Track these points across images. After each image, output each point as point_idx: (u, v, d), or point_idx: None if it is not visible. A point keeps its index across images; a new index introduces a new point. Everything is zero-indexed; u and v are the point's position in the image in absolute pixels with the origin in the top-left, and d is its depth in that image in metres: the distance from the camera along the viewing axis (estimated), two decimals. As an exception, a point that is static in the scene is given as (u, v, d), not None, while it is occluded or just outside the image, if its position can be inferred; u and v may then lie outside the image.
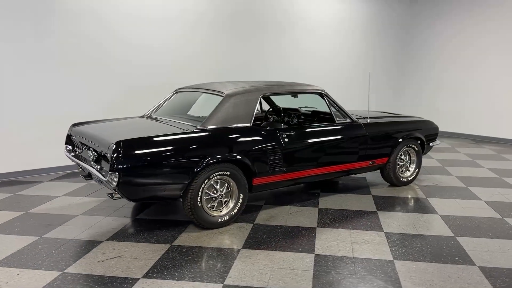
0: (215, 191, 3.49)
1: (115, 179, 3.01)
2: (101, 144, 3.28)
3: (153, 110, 4.42)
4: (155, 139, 3.24)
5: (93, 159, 3.35)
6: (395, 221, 3.77)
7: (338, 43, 8.22)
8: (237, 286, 2.61)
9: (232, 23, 6.71)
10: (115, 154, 3.02)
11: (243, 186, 3.58)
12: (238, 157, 3.47)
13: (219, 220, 3.51)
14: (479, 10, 8.20)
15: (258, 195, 4.48)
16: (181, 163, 3.23)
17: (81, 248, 3.15)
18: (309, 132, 4.02)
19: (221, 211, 3.55)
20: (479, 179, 5.30)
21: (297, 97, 4.36)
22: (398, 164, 4.80)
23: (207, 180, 3.38)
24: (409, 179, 4.90)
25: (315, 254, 3.07)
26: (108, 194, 3.27)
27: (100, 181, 3.38)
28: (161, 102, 4.50)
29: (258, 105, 4.02)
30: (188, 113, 4.55)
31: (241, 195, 3.59)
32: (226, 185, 3.55)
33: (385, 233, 3.49)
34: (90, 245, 3.20)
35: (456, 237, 3.41)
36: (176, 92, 4.53)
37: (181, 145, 3.27)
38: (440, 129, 8.72)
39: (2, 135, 5.03)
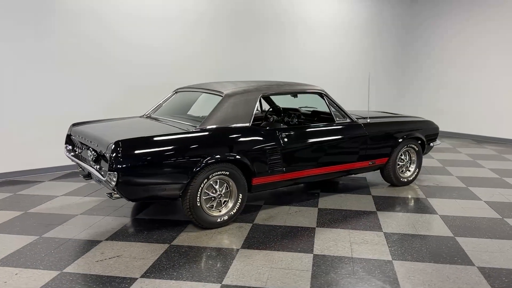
0: (214, 191, 3.49)
1: (114, 179, 3.01)
2: (100, 144, 3.28)
3: (153, 110, 4.43)
4: (154, 139, 3.24)
5: (92, 159, 3.36)
6: (394, 221, 3.76)
7: (338, 43, 8.21)
8: (235, 286, 2.61)
9: (232, 23, 6.71)
10: (114, 154, 3.02)
11: (242, 186, 3.58)
12: (237, 157, 3.47)
13: (218, 220, 3.51)
14: (479, 10, 8.19)
15: (257, 195, 4.48)
16: (180, 163, 3.23)
17: (80, 247, 3.15)
18: (308, 132, 4.01)
19: (220, 211, 3.55)
20: (480, 179, 5.29)
21: (297, 97, 4.37)
22: (398, 164, 4.79)
23: (206, 180, 3.38)
24: (409, 179, 4.90)
25: (313, 254, 3.07)
26: (107, 193, 3.28)
27: (100, 181, 3.38)
28: (161, 102, 4.50)
29: (257, 105, 4.02)
30: (188, 113, 4.55)
31: (240, 195, 3.59)
32: (225, 185, 3.55)
33: (384, 233, 3.49)
34: (89, 244, 3.21)
35: (456, 237, 3.41)
36: (176, 92, 4.54)
37: (180, 145, 3.27)
38: (441, 129, 8.73)
39: (2, 135, 5.04)
